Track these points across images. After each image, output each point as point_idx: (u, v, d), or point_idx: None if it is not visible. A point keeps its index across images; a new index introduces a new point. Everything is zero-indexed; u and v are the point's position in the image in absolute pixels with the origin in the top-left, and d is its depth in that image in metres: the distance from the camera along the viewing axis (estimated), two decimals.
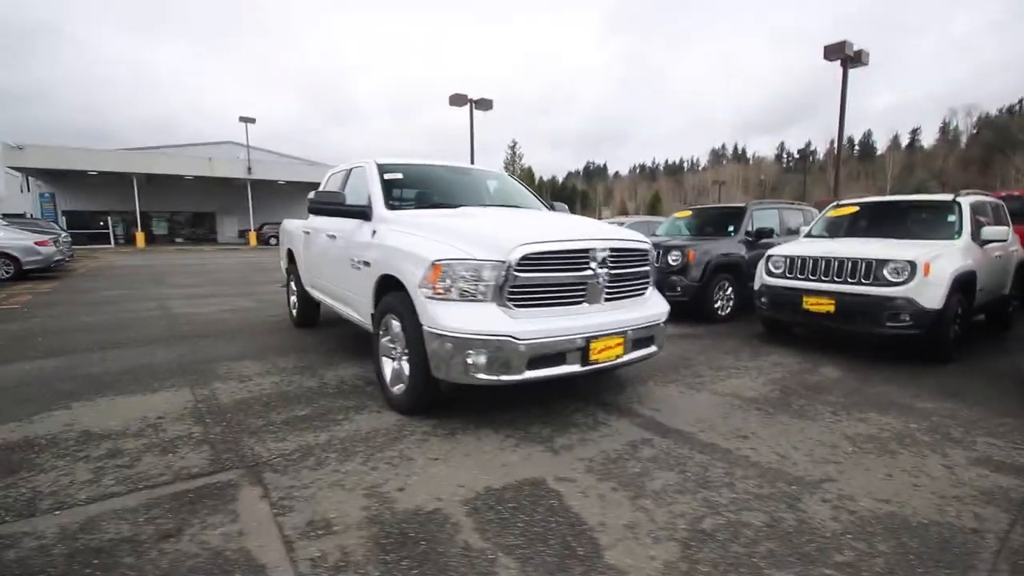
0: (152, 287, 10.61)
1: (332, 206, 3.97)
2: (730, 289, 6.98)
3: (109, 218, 32.57)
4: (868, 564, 1.91)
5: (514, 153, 55.96)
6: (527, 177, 53.83)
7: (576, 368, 3.04)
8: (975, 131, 79.09)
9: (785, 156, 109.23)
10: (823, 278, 5.03)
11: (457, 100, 19.02)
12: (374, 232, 3.66)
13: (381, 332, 3.56)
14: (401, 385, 3.38)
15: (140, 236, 30.96)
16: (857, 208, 6.08)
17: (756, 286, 5.70)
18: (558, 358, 2.97)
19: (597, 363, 3.10)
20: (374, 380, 4.04)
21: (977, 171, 66.47)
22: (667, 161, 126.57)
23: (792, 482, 2.52)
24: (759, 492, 2.42)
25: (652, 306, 3.52)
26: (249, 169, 32.23)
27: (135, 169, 30.23)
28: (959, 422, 3.29)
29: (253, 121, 30.07)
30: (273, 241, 33.38)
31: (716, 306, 6.83)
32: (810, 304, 5.06)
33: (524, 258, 2.89)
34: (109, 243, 32.15)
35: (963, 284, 4.74)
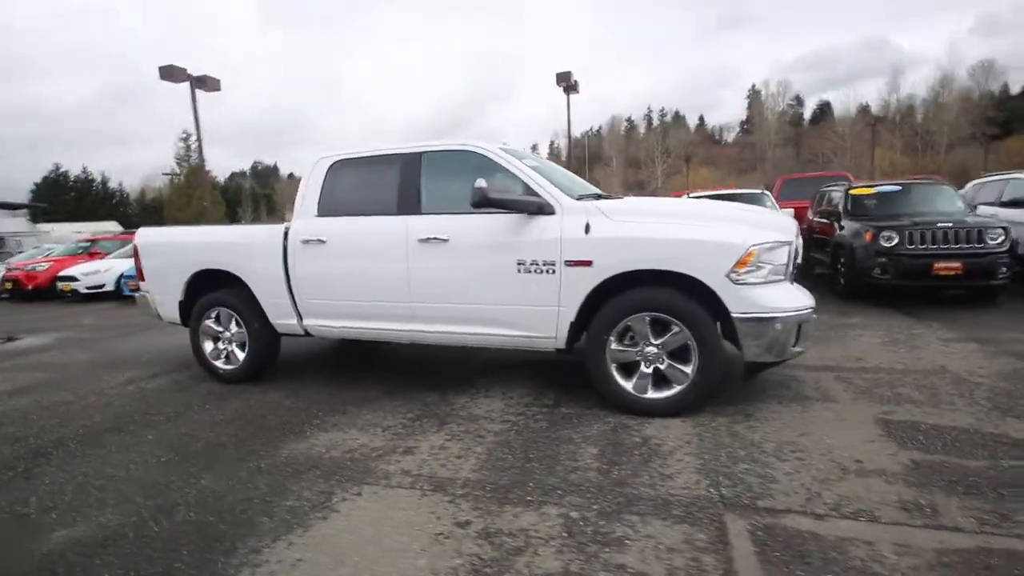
0: None
1: (507, 200, 3.16)
2: None
3: None
4: None
5: (187, 146, 44.38)
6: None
7: None
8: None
9: None
10: None
11: (172, 75, 14.39)
12: (587, 226, 3.16)
13: (613, 339, 3.17)
14: (653, 391, 3.15)
15: None
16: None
17: None
18: None
19: None
20: (543, 401, 3.50)
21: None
22: None
23: (942, 371, 3.74)
24: (955, 378, 3.52)
25: None
26: None
27: None
28: (899, 325, 5.25)
29: None
30: None
31: None
32: None
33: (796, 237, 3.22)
34: None
35: None
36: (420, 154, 3.71)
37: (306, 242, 3.86)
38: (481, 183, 3.08)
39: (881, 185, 7.36)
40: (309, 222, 3.91)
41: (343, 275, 3.80)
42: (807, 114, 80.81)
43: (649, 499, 2.25)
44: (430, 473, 2.59)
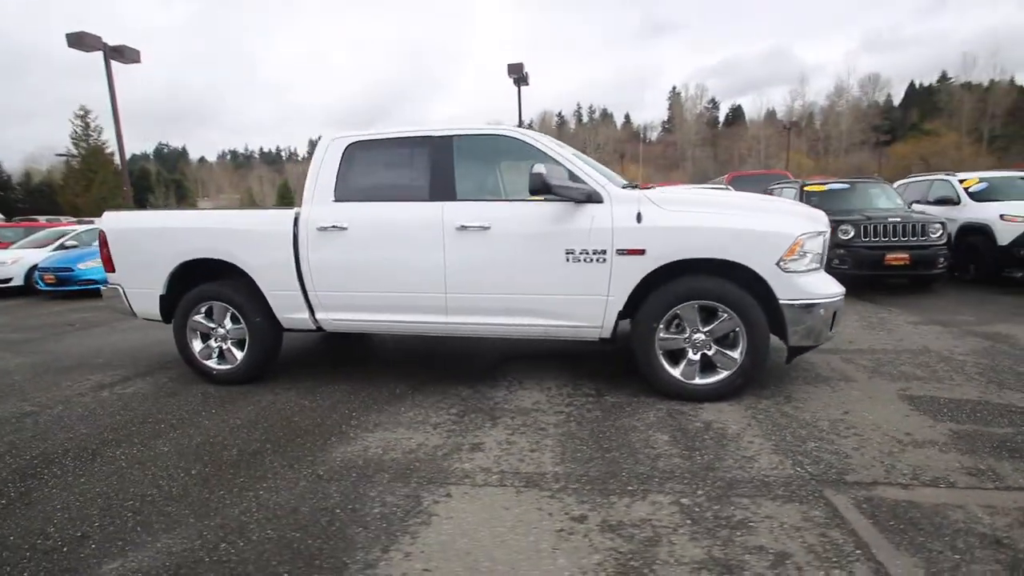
0: None
1: (566, 188, 3.08)
2: None
3: None
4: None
5: (87, 125, 38.86)
6: (106, 160, 38.05)
7: None
8: None
9: None
10: None
11: (82, 43, 12.51)
12: (639, 215, 3.15)
13: (661, 327, 3.21)
14: (700, 377, 3.23)
15: None
16: None
17: None
18: None
19: None
20: (584, 391, 3.49)
21: None
22: (262, 149, 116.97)
23: (927, 351, 4.13)
24: (941, 357, 3.91)
25: None
26: None
27: None
28: (865, 311, 5.76)
29: None
30: None
31: None
32: None
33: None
34: None
35: None
36: (451, 138, 3.53)
37: (323, 229, 3.55)
38: (540, 169, 2.98)
39: (831, 183, 8.02)
40: (325, 208, 3.60)
41: (369, 265, 3.54)
42: (721, 117, 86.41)
43: (747, 481, 2.30)
44: (512, 469, 2.49)
